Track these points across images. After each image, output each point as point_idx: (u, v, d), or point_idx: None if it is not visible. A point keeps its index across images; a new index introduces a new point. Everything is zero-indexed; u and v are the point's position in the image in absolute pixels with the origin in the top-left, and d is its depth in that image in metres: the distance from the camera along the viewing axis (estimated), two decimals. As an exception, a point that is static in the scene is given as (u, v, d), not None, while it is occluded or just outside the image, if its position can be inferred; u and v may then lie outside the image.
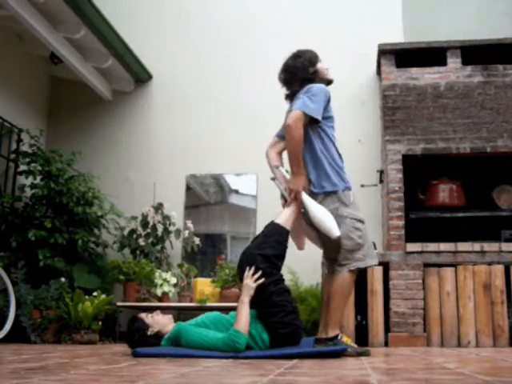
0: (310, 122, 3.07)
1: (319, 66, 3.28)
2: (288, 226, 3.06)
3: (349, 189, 3.11)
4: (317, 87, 3.12)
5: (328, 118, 3.16)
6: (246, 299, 2.85)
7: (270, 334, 2.87)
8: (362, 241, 3.04)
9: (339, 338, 2.96)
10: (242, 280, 2.96)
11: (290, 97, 3.27)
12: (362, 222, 3.08)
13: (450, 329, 4.25)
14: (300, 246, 3.29)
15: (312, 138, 3.11)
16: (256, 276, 2.88)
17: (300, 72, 3.22)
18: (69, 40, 5.18)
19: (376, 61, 5.47)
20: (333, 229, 2.96)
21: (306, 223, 3.13)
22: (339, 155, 3.18)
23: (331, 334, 2.96)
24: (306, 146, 3.11)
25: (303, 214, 3.10)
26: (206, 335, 2.83)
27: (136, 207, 5.54)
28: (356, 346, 3.15)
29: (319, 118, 3.06)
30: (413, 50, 5.11)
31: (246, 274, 2.91)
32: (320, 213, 2.99)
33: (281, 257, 3.03)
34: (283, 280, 3.01)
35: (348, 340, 3.10)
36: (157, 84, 6.16)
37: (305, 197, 3.05)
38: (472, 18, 5.77)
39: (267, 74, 6.00)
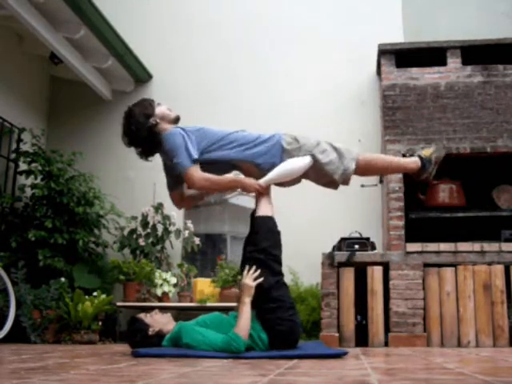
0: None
1: (159, 110, 3.17)
2: (269, 213, 3.08)
3: (281, 136, 3.11)
4: (168, 142, 3.04)
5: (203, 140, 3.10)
6: (246, 300, 2.83)
7: (268, 332, 2.86)
8: (335, 153, 3.09)
9: (424, 157, 3.19)
10: None
11: (145, 153, 3.21)
12: (318, 143, 3.10)
13: (450, 329, 4.25)
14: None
15: (219, 156, 3.09)
16: (255, 274, 2.88)
17: (139, 132, 3.10)
18: (69, 40, 5.17)
19: (376, 61, 5.47)
20: (301, 163, 3.03)
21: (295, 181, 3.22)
22: (240, 132, 3.18)
23: (415, 161, 3.21)
24: (229, 161, 3.12)
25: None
26: (206, 336, 2.83)
27: (136, 207, 5.54)
28: (433, 151, 3.25)
29: (196, 156, 3.01)
30: (413, 50, 5.10)
31: (245, 273, 2.91)
32: (284, 170, 3.05)
33: (277, 245, 3.03)
34: (282, 274, 3.01)
35: (427, 152, 3.24)
36: (157, 84, 6.15)
37: (265, 181, 3.08)
38: (472, 18, 5.77)
39: (267, 73, 6.04)
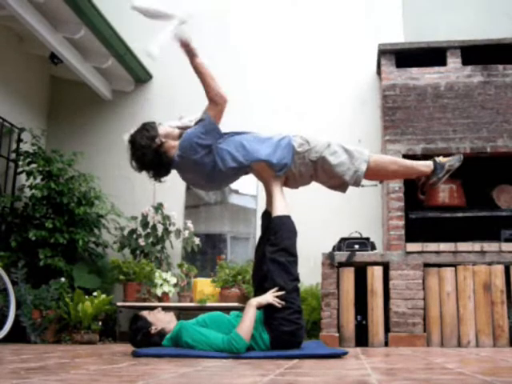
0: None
1: (162, 129, 3.12)
2: (286, 212, 3.07)
3: (292, 138, 3.10)
4: (182, 150, 3.04)
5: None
6: (254, 303, 2.85)
7: (271, 332, 2.85)
8: (346, 155, 3.08)
9: (438, 161, 3.19)
10: (257, 287, 3.03)
11: (158, 175, 3.17)
12: (328, 145, 3.09)
13: (450, 329, 4.24)
14: None
15: (220, 159, 3.09)
16: (278, 294, 2.87)
17: (146, 156, 3.05)
18: (69, 40, 5.18)
19: (376, 61, 5.47)
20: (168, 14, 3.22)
21: None
22: (250, 134, 3.21)
23: (427, 165, 3.19)
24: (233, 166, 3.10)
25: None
26: (206, 335, 2.83)
27: (136, 207, 5.54)
28: (449, 159, 3.25)
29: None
30: (413, 50, 5.10)
31: (273, 290, 2.88)
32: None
33: (295, 246, 3.03)
34: (298, 279, 3.02)
35: (444, 159, 3.25)
36: (157, 84, 6.15)
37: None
38: (472, 18, 5.77)
39: (267, 74, 6.04)
